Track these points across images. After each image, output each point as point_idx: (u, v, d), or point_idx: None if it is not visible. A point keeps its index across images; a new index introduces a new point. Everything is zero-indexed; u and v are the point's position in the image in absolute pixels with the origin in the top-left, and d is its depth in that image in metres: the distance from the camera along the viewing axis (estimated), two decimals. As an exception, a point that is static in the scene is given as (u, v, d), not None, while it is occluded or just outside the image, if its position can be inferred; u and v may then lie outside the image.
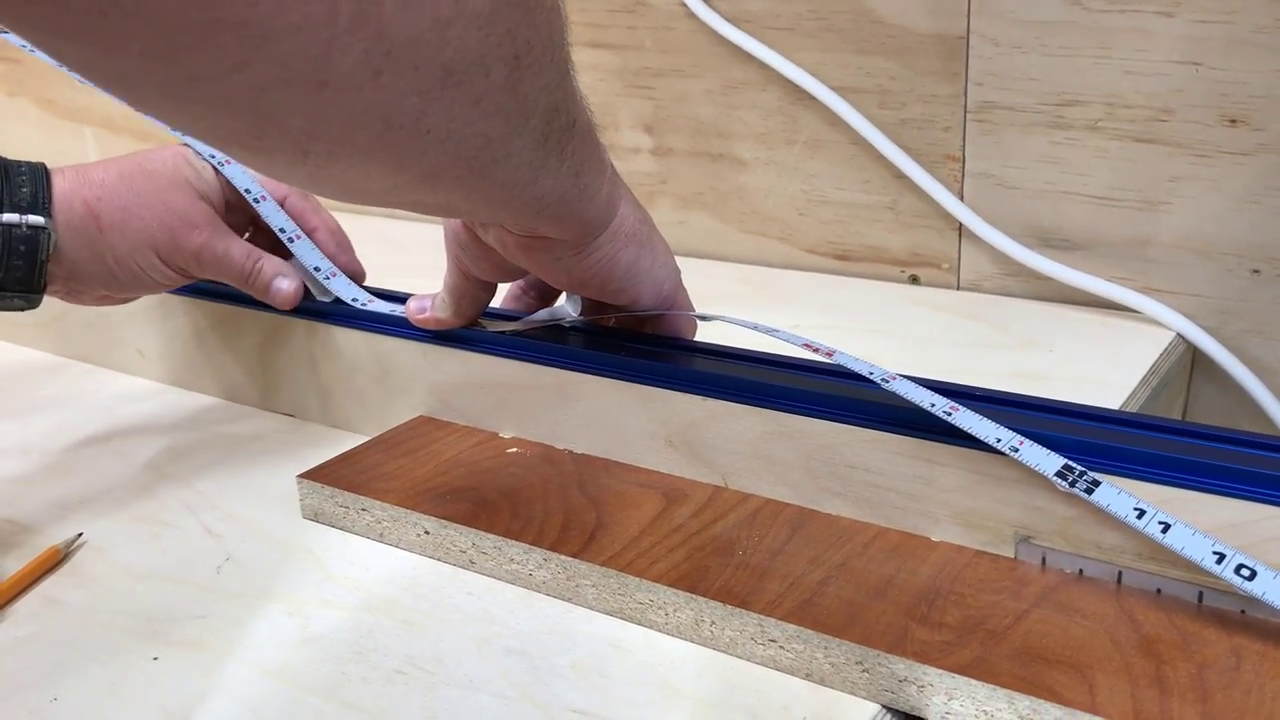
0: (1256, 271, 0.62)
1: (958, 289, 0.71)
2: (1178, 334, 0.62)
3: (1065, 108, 0.64)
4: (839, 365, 0.47)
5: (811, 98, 0.72)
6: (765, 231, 0.77)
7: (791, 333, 0.49)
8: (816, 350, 0.48)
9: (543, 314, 0.54)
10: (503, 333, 0.52)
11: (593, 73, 0.80)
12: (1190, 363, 0.64)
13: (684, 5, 0.74)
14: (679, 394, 0.49)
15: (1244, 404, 0.63)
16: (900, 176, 0.70)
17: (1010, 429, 0.42)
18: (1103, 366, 0.59)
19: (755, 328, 0.51)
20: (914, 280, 0.73)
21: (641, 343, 0.53)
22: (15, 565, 0.51)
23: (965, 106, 0.67)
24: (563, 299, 0.54)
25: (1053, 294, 0.67)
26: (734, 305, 0.69)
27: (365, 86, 0.30)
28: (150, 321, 0.67)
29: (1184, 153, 0.62)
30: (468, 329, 0.53)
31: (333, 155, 0.32)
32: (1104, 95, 0.63)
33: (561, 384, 0.51)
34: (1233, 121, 0.60)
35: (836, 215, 0.74)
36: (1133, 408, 0.55)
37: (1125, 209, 0.64)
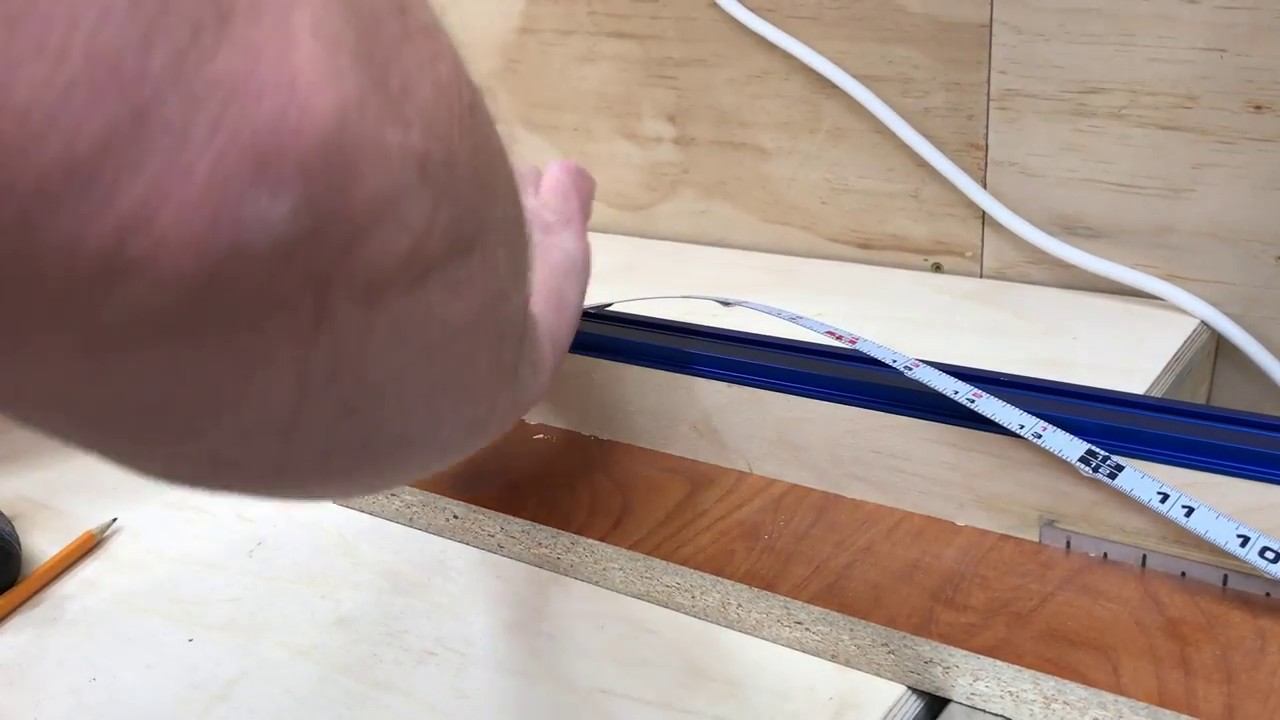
0: (1281, 258, 0.62)
1: (981, 277, 0.71)
2: (1201, 321, 0.62)
3: (1088, 95, 0.64)
4: (861, 352, 0.47)
5: (834, 87, 0.72)
6: (788, 220, 0.77)
7: (814, 320, 0.50)
8: (840, 337, 0.48)
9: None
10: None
11: (614, 63, 0.81)
12: (1214, 349, 0.64)
13: (707, -6, 0.75)
14: (703, 380, 0.50)
15: (1268, 390, 0.63)
16: (923, 165, 0.70)
17: (1033, 414, 0.42)
18: (1126, 353, 0.59)
19: (778, 315, 0.51)
20: (937, 268, 0.73)
21: (666, 329, 0.53)
22: (52, 549, 0.52)
23: (989, 94, 0.67)
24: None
25: (1076, 281, 0.67)
26: (757, 293, 0.70)
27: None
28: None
29: (1208, 139, 0.62)
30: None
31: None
32: (1127, 82, 0.63)
33: (587, 370, 0.51)
34: (1258, 108, 0.60)
35: (860, 204, 0.74)
36: (1156, 394, 0.56)
37: (1149, 196, 0.64)
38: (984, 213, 0.69)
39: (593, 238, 0.84)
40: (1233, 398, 0.65)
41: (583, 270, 0.49)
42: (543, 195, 0.52)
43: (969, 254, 0.71)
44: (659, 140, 0.81)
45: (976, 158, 0.69)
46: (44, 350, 0.19)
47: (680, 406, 0.50)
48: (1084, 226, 0.67)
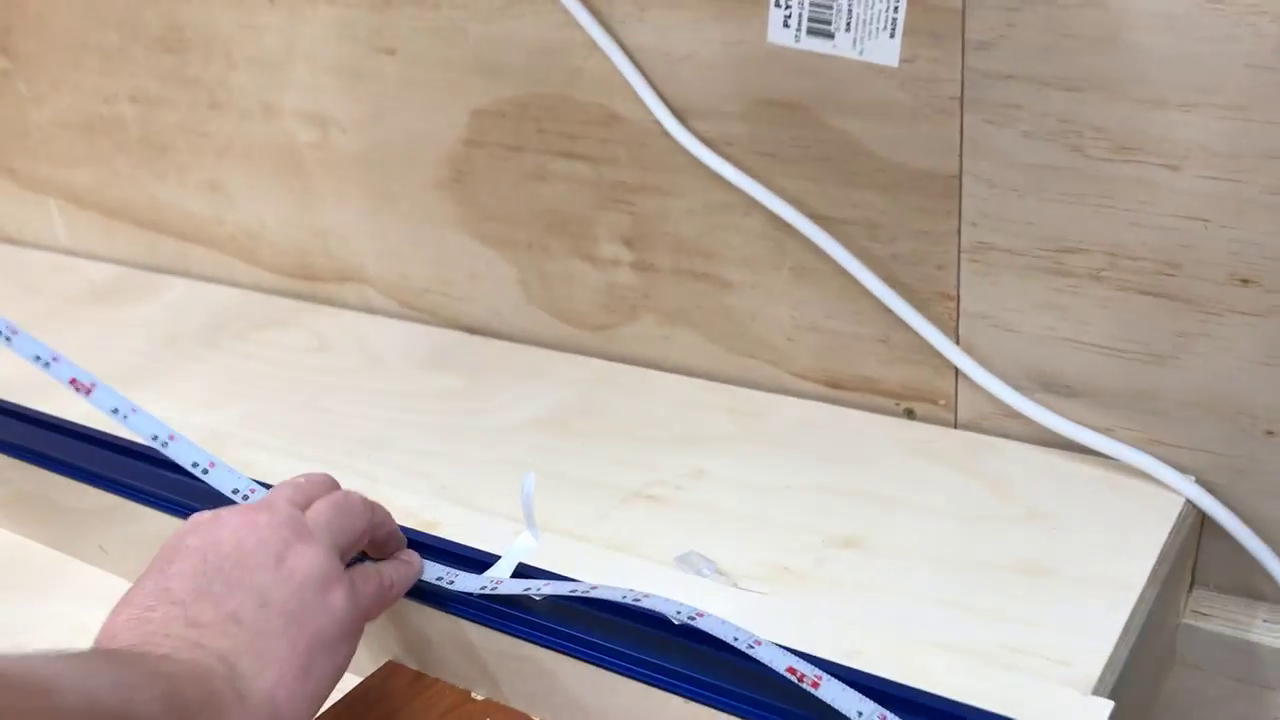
0: (1270, 433, 0.58)
1: (955, 427, 0.68)
2: (1187, 500, 0.59)
3: (1065, 254, 0.60)
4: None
5: (794, 226, 0.68)
6: (754, 354, 0.74)
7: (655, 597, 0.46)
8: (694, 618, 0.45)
9: (505, 564, 0.51)
10: (470, 595, 0.50)
11: (567, 183, 0.76)
12: (1199, 523, 0.61)
13: (658, 123, 0.70)
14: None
15: (1254, 568, 0.60)
16: (891, 311, 0.67)
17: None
18: (1110, 555, 0.56)
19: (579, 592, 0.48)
20: (910, 414, 0.69)
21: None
22: None
23: (959, 246, 0.63)
24: (523, 535, 0.51)
25: (1055, 440, 0.64)
26: (724, 447, 0.67)
27: None
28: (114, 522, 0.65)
29: (1192, 309, 0.58)
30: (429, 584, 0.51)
31: None
32: (1107, 245, 0.59)
33: (538, 658, 0.48)
34: (1244, 281, 0.56)
35: (827, 343, 0.71)
36: (1142, 610, 0.53)
37: (1130, 360, 0.61)
38: (956, 366, 0.66)
39: (556, 356, 0.82)
40: (1218, 572, 0.62)
41: (348, 638, 0.48)
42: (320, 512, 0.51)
43: (942, 402, 0.68)
44: (616, 263, 0.77)
45: (948, 308, 0.65)
46: None
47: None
48: (1062, 385, 0.63)
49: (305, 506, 0.52)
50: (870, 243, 0.66)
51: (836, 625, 0.51)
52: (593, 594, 0.45)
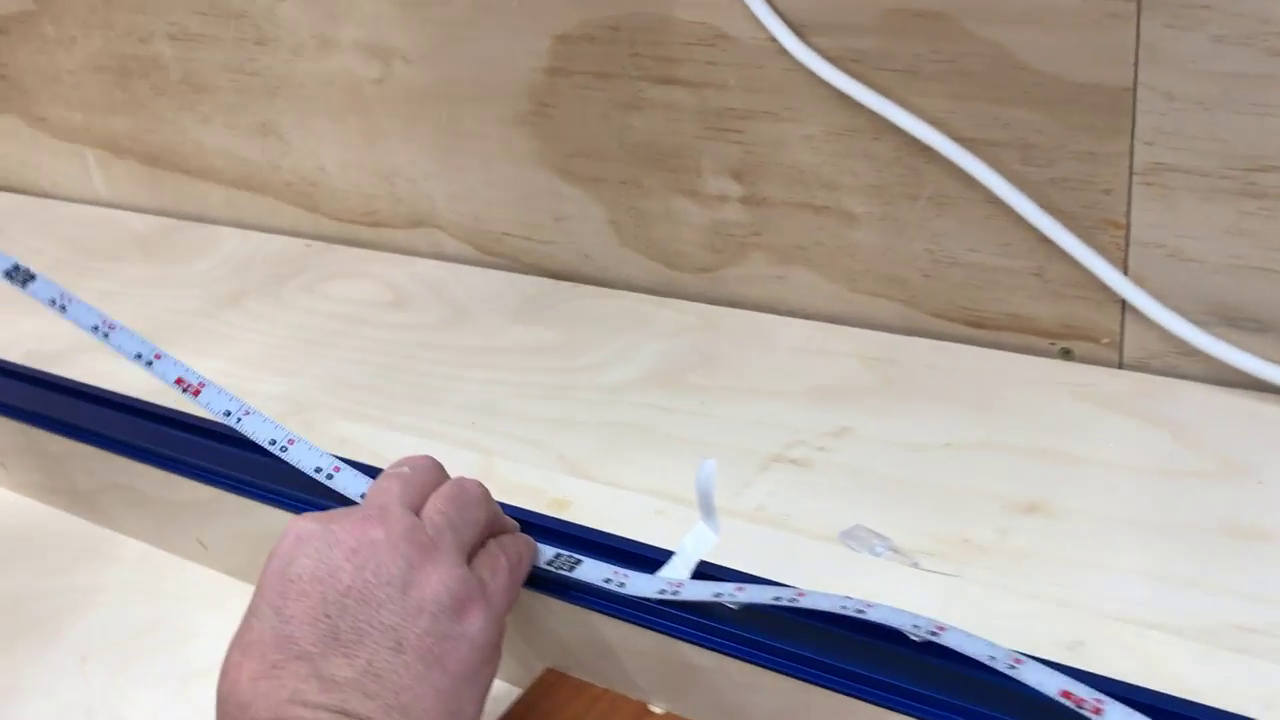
0: None
1: (1120, 367, 0.62)
2: (1402, 443, 0.53)
3: (1259, 173, 0.53)
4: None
5: (935, 150, 0.61)
6: (882, 292, 0.67)
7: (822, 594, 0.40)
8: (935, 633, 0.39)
9: (681, 563, 0.45)
10: (647, 600, 0.44)
11: (664, 112, 0.69)
12: None
13: (775, 40, 0.63)
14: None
15: None
16: (1048, 241, 0.60)
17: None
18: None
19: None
20: (1066, 354, 0.63)
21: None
22: None
23: (1131, 167, 0.57)
24: (698, 527, 0.45)
25: (1238, 379, 0.58)
26: (864, 399, 0.61)
27: None
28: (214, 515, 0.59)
29: None
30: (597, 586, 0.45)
31: None
32: (1310, 161, 0.52)
33: (729, 670, 0.42)
34: None
35: (970, 278, 0.64)
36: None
37: (1333, 289, 0.54)
38: (1124, 299, 0.59)
39: (655, 302, 0.76)
40: None
41: (491, 660, 0.44)
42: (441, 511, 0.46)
43: (1105, 341, 0.62)
44: (723, 198, 0.70)
45: (1115, 236, 0.59)
46: None
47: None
48: (1249, 319, 0.57)
49: (418, 505, 0.47)
50: (1024, 166, 0.59)
51: (1044, 610, 0.45)
52: (801, 603, 0.39)
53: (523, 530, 0.50)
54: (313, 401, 0.68)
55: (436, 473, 0.50)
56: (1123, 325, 0.61)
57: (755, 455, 0.59)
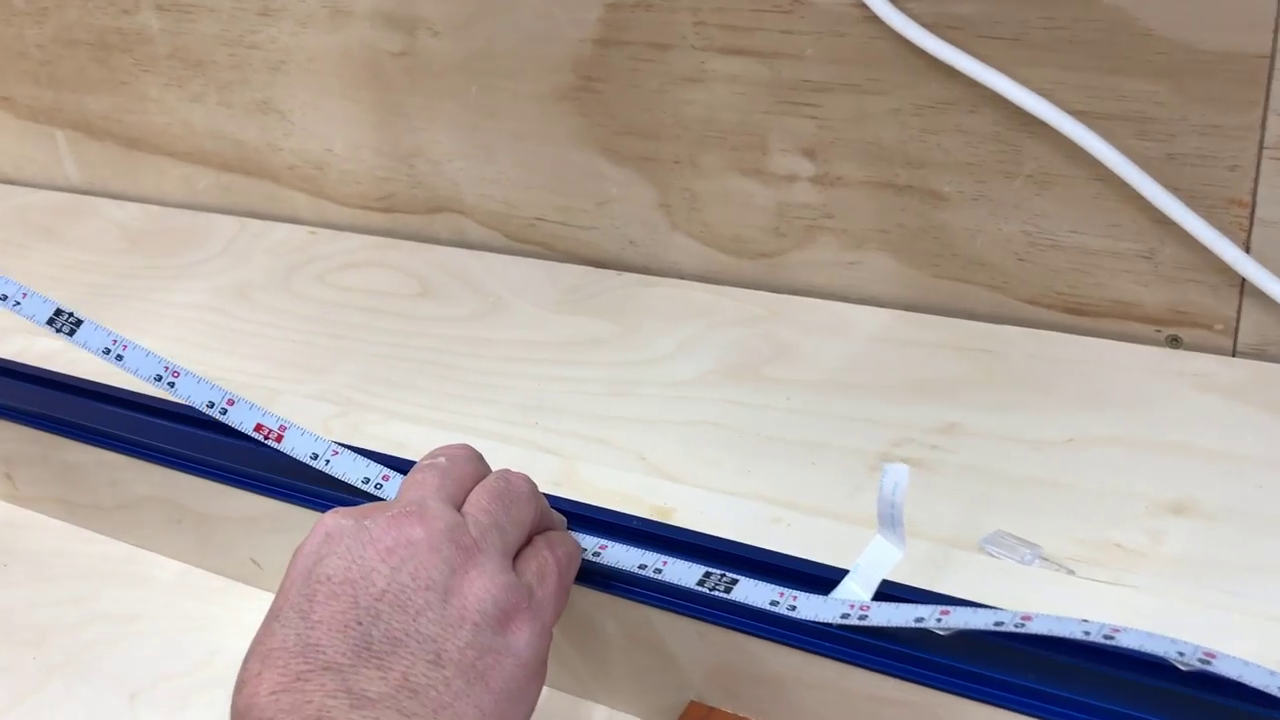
0: None
1: (1233, 355, 0.58)
2: None
3: (1407, 147, 0.50)
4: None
5: (1041, 124, 0.57)
6: (969, 278, 0.63)
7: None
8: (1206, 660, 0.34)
9: (861, 582, 0.40)
10: (828, 626, 0.39)
11: (730, 84, 0.64)
12: None
13: (862, 5, 0.58)
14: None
15: None
16: (1162, 221, 0.56)
17: None
18: None
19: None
20: (1174, 342, 0.59)
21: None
22: None
23: (1262, 142, 0.53)
24: (875, 541, 0.40)
25: (1369, 366, 0.55)
26: (966, 393, 0.57)
27: None
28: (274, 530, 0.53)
29: None
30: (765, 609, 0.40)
31: None
32: None
33: (931, 703, 0.38)
34: None
35: (1071, 262, 0.60)
36: None
37: None
38: (1243, 280, 0.56)
39: (711, 290, 0.71)
40: None
41: (538, 675, 0.40)
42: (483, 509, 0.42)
43: (1219, 327, 0.58)
44: (792, 178, 0.65)
45: (1238, 216, 0.55)
46: None
47: None
48: (1383, 302, 0.54)
49: (459, 499, 0.42)
50: (1139, 141, 0.55)
51: (1244, 623, 0.41)
52: (1029, 628, 0.34)
53: (662, 548, 0.45)
54: (352, 401, 0.62)
55: (476, 464, 0.45)
56: (1240, 310, 0.57)
57: (861, 455, 0.54)
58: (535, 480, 0.45)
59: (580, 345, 0.66)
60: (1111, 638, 0.33)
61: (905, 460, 0.53)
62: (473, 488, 0.43)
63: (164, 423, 0.55)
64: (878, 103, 0.61)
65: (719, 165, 0.67)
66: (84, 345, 0.48)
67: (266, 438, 0.48)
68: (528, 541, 0.43)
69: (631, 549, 0.44)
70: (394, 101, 0.77)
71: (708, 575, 0.41)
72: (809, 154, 0.64)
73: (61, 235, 0.89)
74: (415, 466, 0.44)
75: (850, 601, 0.38)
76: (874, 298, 0.66)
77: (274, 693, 0.36)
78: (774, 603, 0.39)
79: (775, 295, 0.69)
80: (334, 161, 0.82)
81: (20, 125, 0.97)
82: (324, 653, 0.36)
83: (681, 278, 0.72)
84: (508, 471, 0.45)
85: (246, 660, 0.38)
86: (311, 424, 0.51)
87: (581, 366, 0.64)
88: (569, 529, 0.46)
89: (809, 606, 0.39)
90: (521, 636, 0.38)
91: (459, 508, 0.42)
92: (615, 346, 0.66)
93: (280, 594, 0.39)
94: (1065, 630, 0.33)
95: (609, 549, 0.44)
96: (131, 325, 0.73)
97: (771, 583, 0.40)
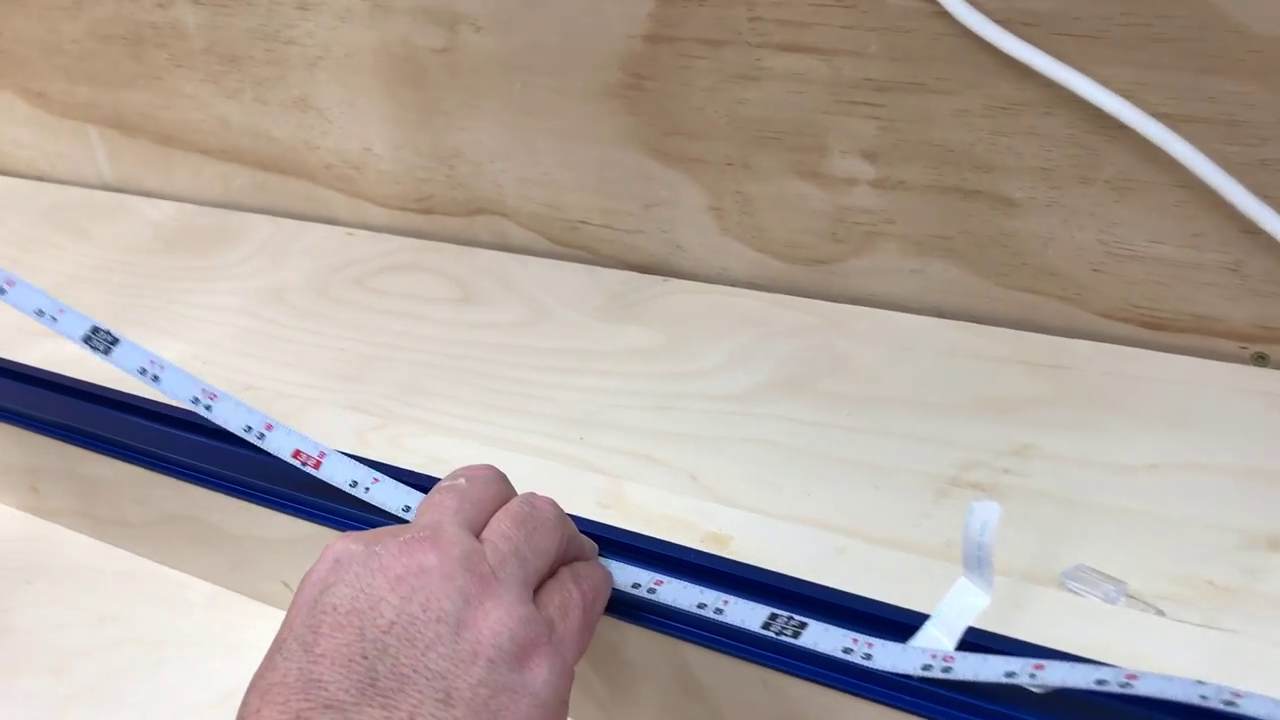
0: None
1: (1325, 372, 0.54)
2: None
3: None
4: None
5: (1121, 126, 0.53)
6: (1040, 289, 0.60)
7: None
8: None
9: (943, 628, 0.36)
10: (908, 678, 0.36)
11: (787, 83, 0.61)
12: None
13: (930, 1, 0.55)
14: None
15: None
16: (1251, 231, 0.53)
17: None
18: None
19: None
20: (1260, 360, 0.56)
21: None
22: None
23: (1364, 146, 0.49)
24: (959, 584, 0.37)
25: None
26: (1039, 412, 0.54)
27: None
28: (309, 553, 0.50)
29: None
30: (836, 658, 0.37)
31: None
32: None
33: None
34: None
35: (1150, 274, 0.57)
36: None
37: None
38: (1338, 295, 0.52)
39: (763, 298, 0.68)
40: None
41: (557, 716, 0.37)
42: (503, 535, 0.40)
43: (1311, 344, 0.54)
44: (851, 181, 0.62)
45: (1335, 226, 0.51)
46: None
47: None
48: None
49: (478, 525, 0.39)
50: (1228, 146, 0.52)
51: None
52: (1135, 689, 0.31)
53: (723, 585, 0.42)
54: (390, 413, 0.60)
55: (499, 485, 0.42)
56: (1335, 327, 0.54)
57: (928, 479, 0.51)
58: (582, 500, 0.42)
59: (625, 355, 0.63)
60: (1233, 704, 0.29)
61: (976, 485, 0.50)
62: (494, 511, 0.40)
63: (197, 438, 0.52)
64: (945, 103, 0.58)
65: (774, 167, 0.64)
66: (119, 365, 0.46)
67: (305, 464, 0.46)
68: (552, 572, 0.40)
69: (690, 585, 0.41)
70: (434, 99, 0.74)
71: (774, 618, 0.38)
72: (870, 156, 0.61)
73: (94, 234, 0.88)
74: (434, 488, 0.42)
75: (932, 651, 0.35)
76: (937, 308, 0.63)
77: None
78: (847, 650, 0.36)
79: (831, 304, 0.65)
80: (372, 161, 0.79)
81: (54, 121, 0.95)
82: (326, 689, 0.34)
83: (732, 285, 0.69)
84: (533, 495, 0.42)
85: (246, 695, 0.35)
86: (348, 437, 0.49)
87: (627, 378, 0.61)
88: (608, 558, 0.43)
89: (886, 655, 0.36)
90: (539, 674, 0.36)
91: (478, 533, 0.39)
92: (662, 357, 0.63)
93: (285, 624, 0.37)
94: (1178, 693, 0.30)
95: (665, 584, 0.41)
96: (163, 328, 0.71)
97: (843, 626, 0.37)
